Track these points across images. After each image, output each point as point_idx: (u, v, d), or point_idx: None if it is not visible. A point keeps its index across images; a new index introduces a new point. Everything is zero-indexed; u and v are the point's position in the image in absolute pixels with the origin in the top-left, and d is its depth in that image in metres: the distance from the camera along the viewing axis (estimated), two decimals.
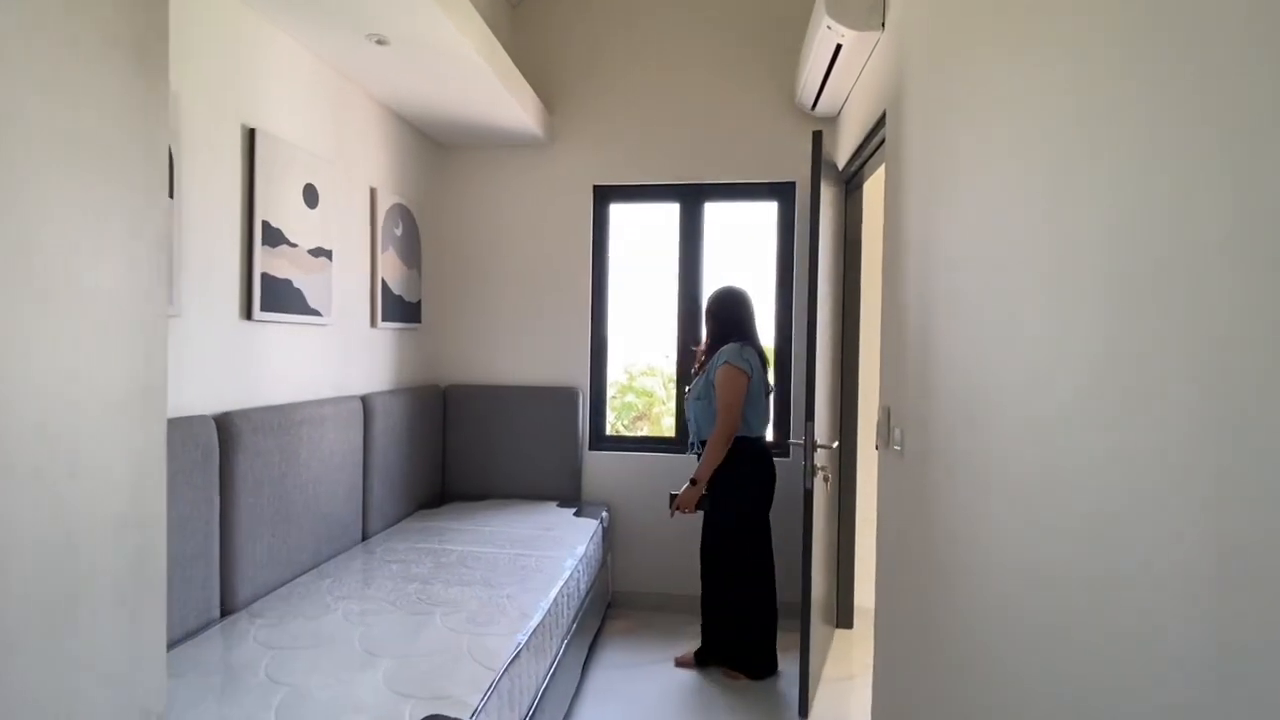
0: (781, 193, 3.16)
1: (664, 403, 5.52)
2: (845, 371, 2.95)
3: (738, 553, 2.54)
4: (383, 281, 2.70)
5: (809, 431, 2.22)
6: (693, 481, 2.46)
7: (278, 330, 2.09)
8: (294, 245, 2.13)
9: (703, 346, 2.68)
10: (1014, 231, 1.22)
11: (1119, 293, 0.88)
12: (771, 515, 2.60)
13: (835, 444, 2.60)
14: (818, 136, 2.22)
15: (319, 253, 2.27)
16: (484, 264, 3.26)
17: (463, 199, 3.26)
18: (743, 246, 3.36)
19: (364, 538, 2.54)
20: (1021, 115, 1.20)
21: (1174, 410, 0.74)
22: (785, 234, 3.17)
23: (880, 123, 2.23)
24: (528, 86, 2.82)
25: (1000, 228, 1.29)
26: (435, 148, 3.22)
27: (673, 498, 2.51)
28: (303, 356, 2.23)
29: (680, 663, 2.63)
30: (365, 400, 2.54)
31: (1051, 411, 1.03)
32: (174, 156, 1.66)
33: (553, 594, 2.07)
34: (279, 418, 2.01)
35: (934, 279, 1.65)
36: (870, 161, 2.58)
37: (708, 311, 2.63)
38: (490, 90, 2.54)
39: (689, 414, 2.59)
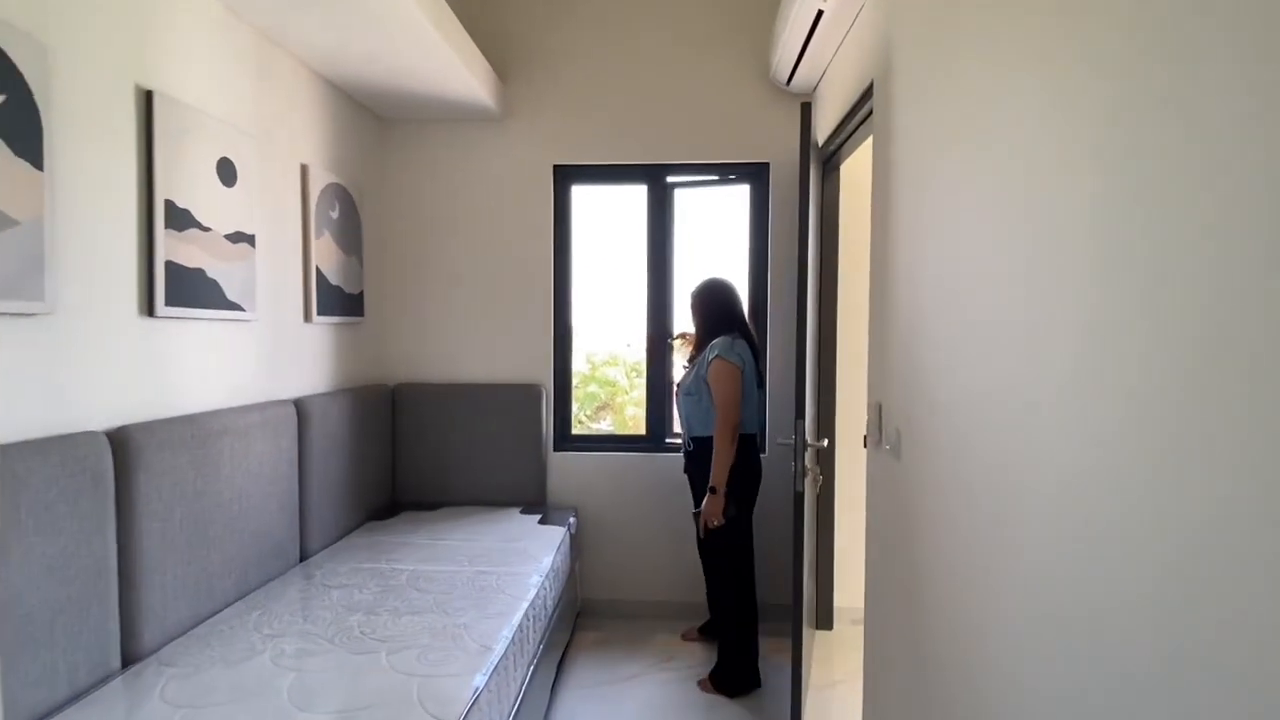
0: (754, 174, 2.98)
1: (627, 392, 5.33)
2: (823, 364, 2.80)
3: (723, 557, 2.42)
4: (317, 271, 2.41)
5: (799, 430, 2.05)
6: (712, 490, 2.29)
7: (189, 328, 1.80)
8: (207, 229, 1.84)
9: (685, 337, 2.64)
10: (1018, 211, 1.07)
11: (1142, 276, 0.78)
12: (764, 515, 2.51)
13: (824, 443, 2.45)
14: (806, 108, 2.04)
15: (239, 238, 1.98)
16: (433, 251, 2.99)
17: (408, 179, 2.98)
18: (713, 231, 3.18)
19: (302, 558, 2.27)
20: (1027, 82, 1.05)
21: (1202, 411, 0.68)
22: (759, 218, 2.99)
23: (865, 95, 2.06)
24: (478, 53, 2.56)
25: (1003, 207, 1.14)
26: (375, 121, 2.92)
27: (697, 516, 2.38)
28: (222, 358, 1.94)
29: (686, 636, 2.73)
30: (300, 404, 2.26)
31: (1064, 410, 0.92)
32: (42, 120, 1.36)
33: (516, 619, 1.85)
34: (193, 429, 1.73)
35: (927, 266, 1.50)
36: (851, 139, 2.42)
37: (694, 305, 2.53)
38: (436, 55, 2.27)
39: (680, 411, 2.50)
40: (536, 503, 2.94)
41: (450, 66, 2.38)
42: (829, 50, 2.41)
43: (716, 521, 2.31)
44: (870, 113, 2.06)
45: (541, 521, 2.70)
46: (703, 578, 2.67)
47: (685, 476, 2.57)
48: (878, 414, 1.87)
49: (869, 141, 2.39)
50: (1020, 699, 1.06)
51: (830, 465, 2.85)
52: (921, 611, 1.53)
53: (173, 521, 1.66)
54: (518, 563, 2.25)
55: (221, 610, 1.83)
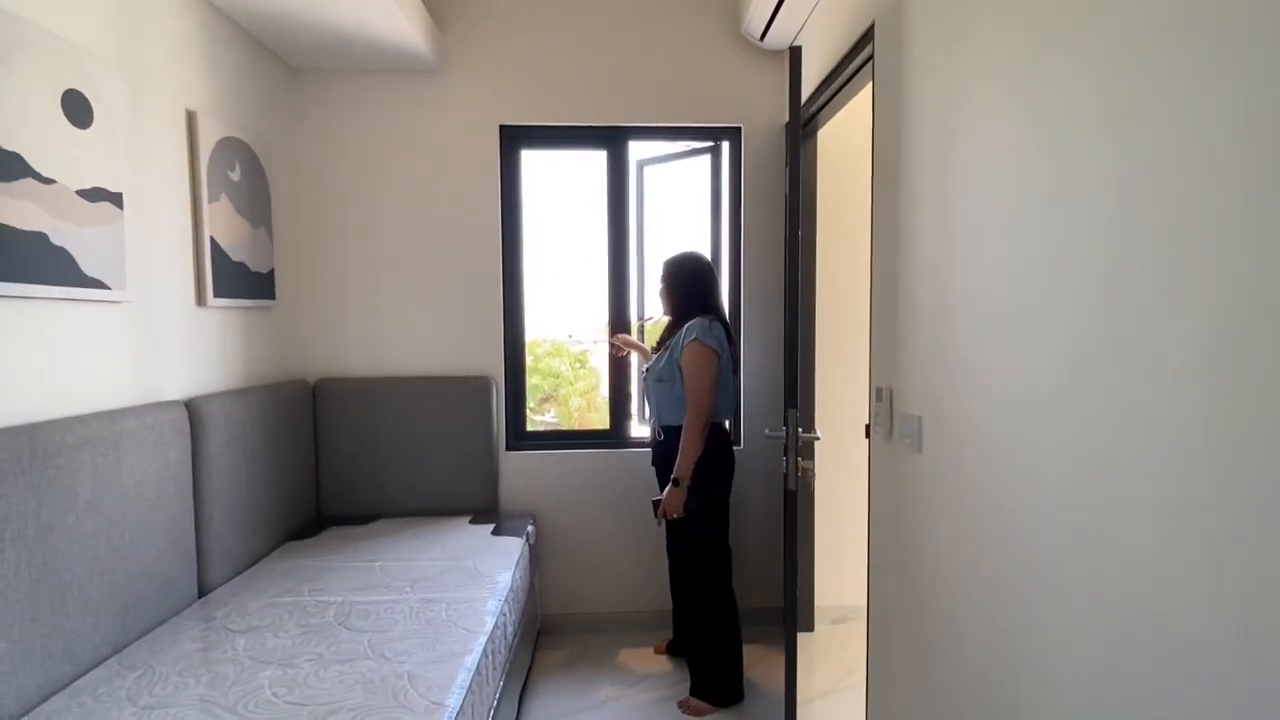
0: (723, 140, 2.71)
1: (572, 383, 5.02)
2: (803, 349, 2.58)
3: (701, 556, 2.19)
4: (213, 243, 1.98)
5: (792, 421, 1.80)
6: (675, 481, 2.11)
7: (22, 310, 1.37)
8: (49, 181, 1.41)
9: (653, 320, 2.41)
10: (1091, 166, 0.84)
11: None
12: (731, 514, 2.27)
13: (819, 436, 2.23)
14: (796, 53, 1.78)
15: (99, 196, 1.54)
16: (359, 223, 2.57)
17: (327, 138, 2.54)
18: (676, 202, 2.89)
19: (201, 594, 1.86)
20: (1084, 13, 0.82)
21: None
22: (733, 187, 2.72)
23: (862, 41, 1.82)
24: None
25: (1068, 163, 0.92)
26: (286, 71, 2.47)
27: (656, 504, 2.18)
28: (77, 349, 1.51)
29: (658, 650, 2.52)
30: (193, 406, 1.84)
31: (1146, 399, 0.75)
32: None
33: (473, 659, 1.53)
34: (30, 444, 1.31)
35: (959, 239, 1.27)
36: (835, 99, 2.19)
37: (666, 281, 2.27)
38: None
39: (650, 397, 2.28)
40: (488, 511, 2.60)
41: (376, 4, 1.99)
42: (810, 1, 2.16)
43: (675, 514, 2.12)
44: (868, 60, 1.82)
45: (495, 532, 2.36)
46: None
47: (654, 469, 2.35)
48: (889, 402, 1.64)
49: (852, 104, 2.18)
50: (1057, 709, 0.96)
51: (807, 456, 2.64)
52: (950, 613, 1.33)
53: (4, 565, 1.24)
54: (470, 585, 1.91)
55: (85, 674, 1.42)
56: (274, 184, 2.35)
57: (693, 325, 2.14)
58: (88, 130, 1.51)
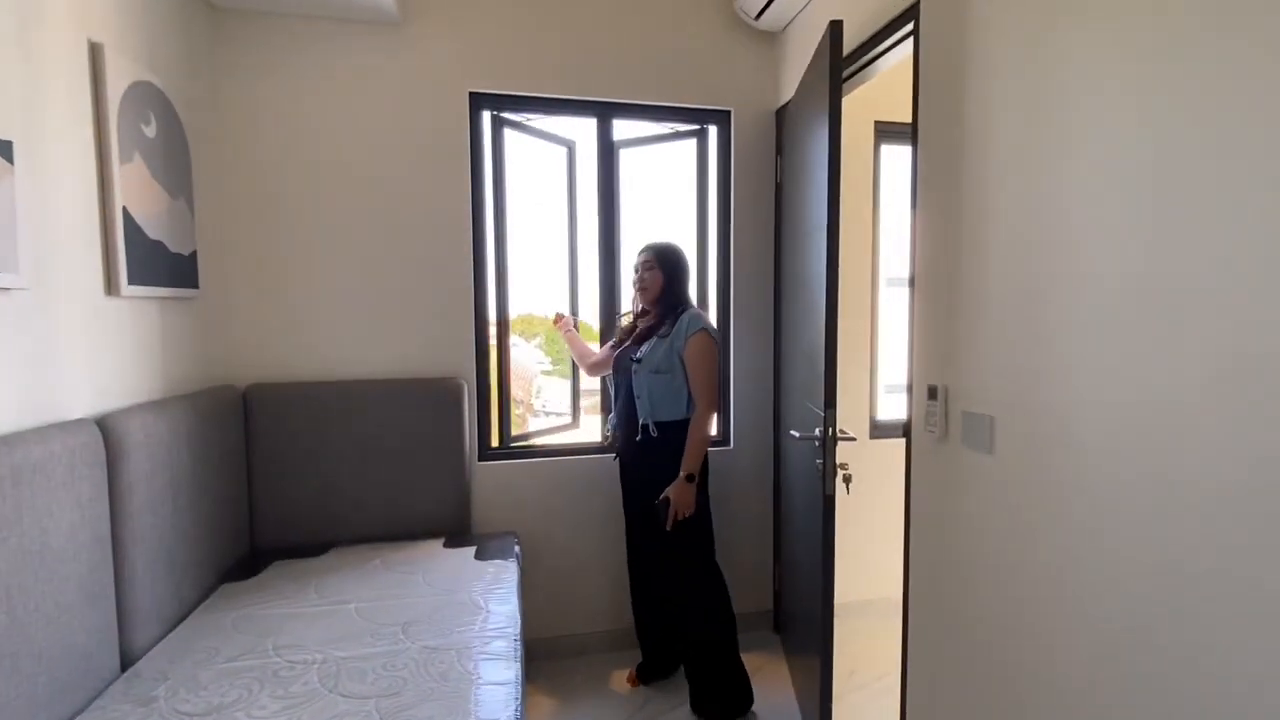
0: (710, 124, 2.56)
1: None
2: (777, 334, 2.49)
3: (702, 561, 2.11)
4: (125, 215, 1.55)
5: (829, 421, 1.69)
6: (690, 478, 2.01)
7: None
8: None
9: (638, 309, 2.24)
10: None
11: None
12: (724, 513, 2.31)
13: (854, 437, 2.16)
14: (836, 28, 1.65)
15: None
16: (300, 198, 2.17)
17: (259, 95, 2.11)
18: (656, 191, 2.72)
19: (125, 665, 1.45)
20: None
21: None
22: (722, 173, 2.58)
23: (895, 23, 1.73)
24: None
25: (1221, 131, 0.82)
26: (205, 8, 2.02)
27: (665, 504, 2.01)
28: None
29: (631, 681, 2.29)
30: (107, 426, 1.43)
31: None
32: None
33: (512, 717, 1.28)
34: None
35: (1059, 246, 1.19)
36: (847, 83, 2.10)
37: (662, 267, 2.13)
38: None
39: (640, 390, 2.09)
40: (461, 532, 2.29)
41: None
42: None
43: (688, 511, 2.00)
44: (899, 42, 1.74)
45: (479, 556, 2.07)
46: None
47: (628, 472, 2.22)
48: (943, 402, 1.57)
49: (856, 93, 2.11)
50: None
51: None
52: (1018, 622, 1.26)
53: None
54: (474, 624, 1.64)
55: None
56: (195, 145, 1.90)
57: (694, 315, 2.08)
58: None
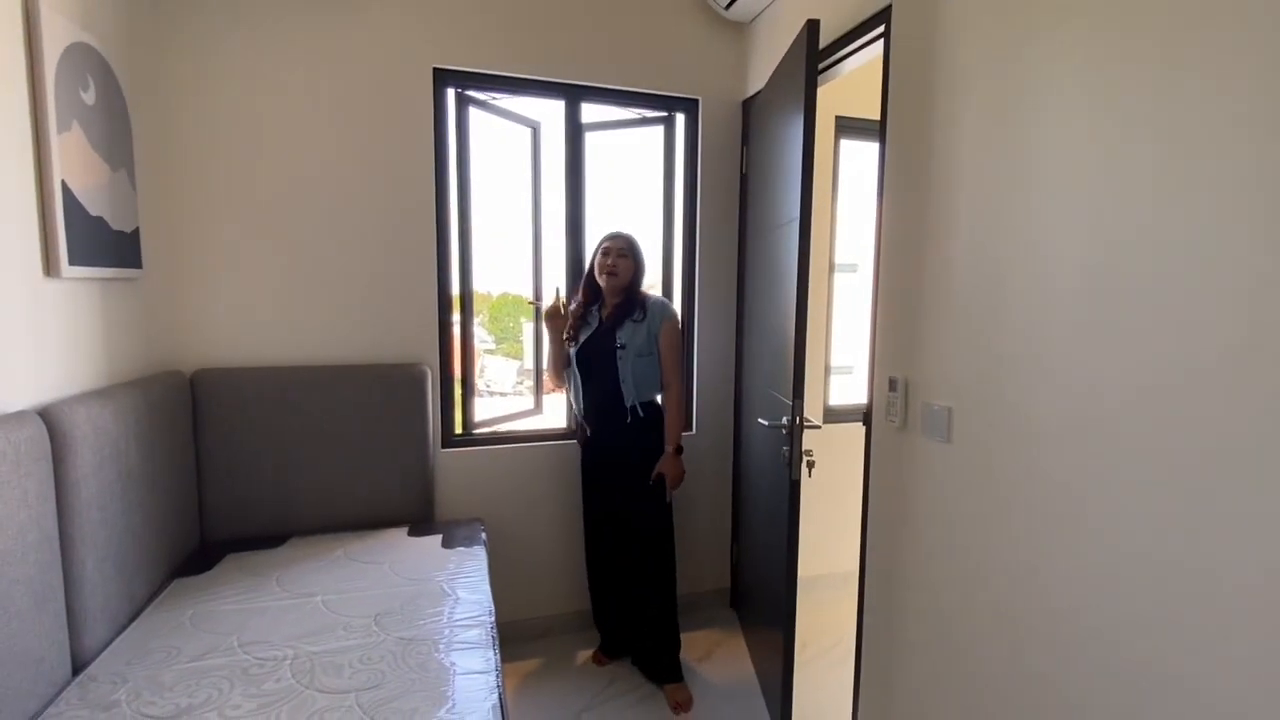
0: (678, 113, 2.57)
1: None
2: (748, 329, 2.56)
3: (666, 536, 2.22)
4: (64, 189, 1.43)
5: (797, 411, 1.76)
6: (679, 450, 2.16)
7: None
8: None
9: (578, 297, 2.30)
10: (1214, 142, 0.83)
11: None
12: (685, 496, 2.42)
13: (820, 425, 2.26)
14: (814, 26, 1.68)
15: None
16: (250, 172, 2.04)
17: (205, 61, 1.97)
18: (619, 177, 2.71)
19: (77, 668, 1.38)
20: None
21: None
22: (689, 162, 2.59)
23: (867, 24, 1.78)
24: None
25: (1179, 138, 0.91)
26: None
27: (662, 478, 2.15)
28: None
29: (598, 661, 2.36)
30: (50, 417, 1.33)
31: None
32: None
33: (495, 704, 1.30)
34: None
35: (1019, 246, 1.28)
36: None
37: (629, 253, 2.17)
38: None
39: (624, 373, 2.13)
40: (424, 520, 2.26)
41: None
42: None
43: (681, 481, 2.19)
44: (870, 41, 1.80)
45: (446, 544, 2.06)
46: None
47: (603, 450, 2.22)
48: (904, 393, 1.66)
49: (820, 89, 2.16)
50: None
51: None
52: (972, 594, 1.38)
53: None
54: (448, 613, 1.64)
55: None
56: (136, 114, 1.77)
57: (663, 300, 2.21)
58: None
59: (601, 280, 2.16)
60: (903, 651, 1.70)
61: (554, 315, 2.23)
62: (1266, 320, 0.90)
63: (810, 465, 1.92)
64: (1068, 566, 1.22)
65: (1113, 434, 1.12)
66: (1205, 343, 0.97)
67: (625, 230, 2.20)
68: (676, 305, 2.62)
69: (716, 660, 2.38)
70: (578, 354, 2.20)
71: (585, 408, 2.23)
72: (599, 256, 2.17)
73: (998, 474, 1.38)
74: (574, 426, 2.42)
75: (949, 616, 1.53)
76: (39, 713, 1.23)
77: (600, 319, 2.19)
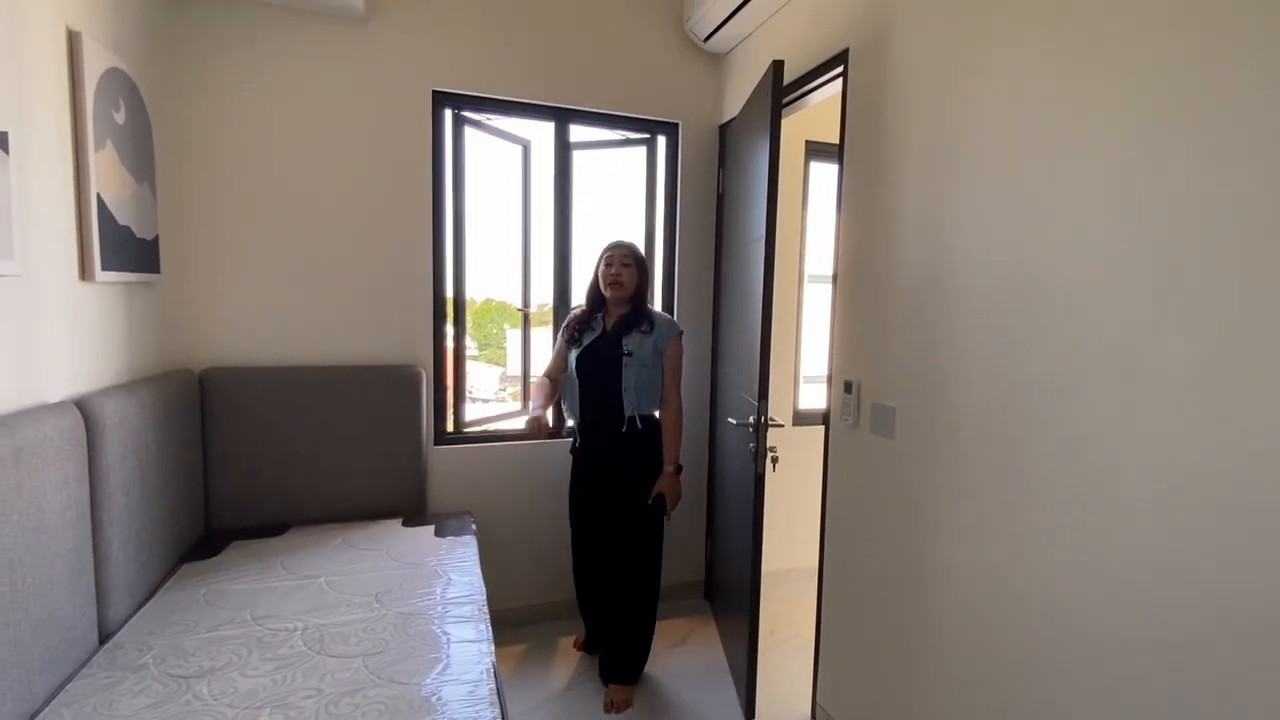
0: (659, 135, 2.76)
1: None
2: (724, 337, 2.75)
3: (657, 540, 2.24)
4: (99, 202, 1.58)
5: (762, 411, 1.94)
6: (679, 469, 2.19)
7: None
8: None
9: (584, 305, 2.29)
10: (1087, 201, 1.05)
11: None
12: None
13: (783, 424, 2.41)
14: (778, 67, 1.88)
15: None
16: (259, 185, 2.19)
17: (220, 82, 2.12)
18: (605, 195, 2.89)
19: (104, 638, 1.51)
20: (1090, 47, 1.02)
21: None
22: (669, 182, 2.78)
23: (828, 64, 1.99)
24: None
25: (1064, 200, 1.13)
26: None
27: (662, 497, 2.17)
28: None
29: (579, 646, 2.47)
30: (86, 408, 1.47)
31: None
32: None
33: (487, 671, 1.45)
34: None
35: (949, 260, 1.48)
36: (784, 110, 2.35)
37: (634, 264, 2.18)
38: None
39: (628, 380, 2.13)
40: (417, 512, 2.41)
41: None
42: (766, 12, 2.29)
43: (678, 500, 2.22)
44: (833, 79, 2.00)
45: (439, 534, 2.21)
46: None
47: (597, 457, 2.19)
48: (855, 394, 1.85)
49: (799, 114, 2.37)
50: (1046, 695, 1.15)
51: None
52: (912, 577, 1.57)
53: None
54: (442, 593, 1.79)
55: None
56: (159, 131, 1.91)
57: (671, 319, 2.24)
58: None
59: (606, 292, 2.15)
60: (855, 636, 1.88)
61: (535, 431, 2.21)
62: (1158, 314, 1.10)
63: (774, 461, 2.10)
64: (989, 551, 1.41)
65: (1029, 422, 1.31)
66: (1100, 337, 1.18)
67: (628, 239, 2.22)
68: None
69: (690, 646, 2.55)
70: (580, 356, 2.18)
71: (581, 413, 2.21)
72: (602, 266, 2.17)
73: (931, 465, 1.57)
74: (570, 428, 2.34)
75: (892, 602, 1.71)
76: (73, 674, 1.36)
77: (604, 325, 2.20)
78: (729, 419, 2.25)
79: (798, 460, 2.92)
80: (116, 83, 1.66)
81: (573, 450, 2.30)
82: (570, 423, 2.32)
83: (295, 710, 1.25)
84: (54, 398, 1.43)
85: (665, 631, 2.61)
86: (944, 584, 1.53)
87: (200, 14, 2.08)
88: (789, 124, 2.59)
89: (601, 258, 2.20)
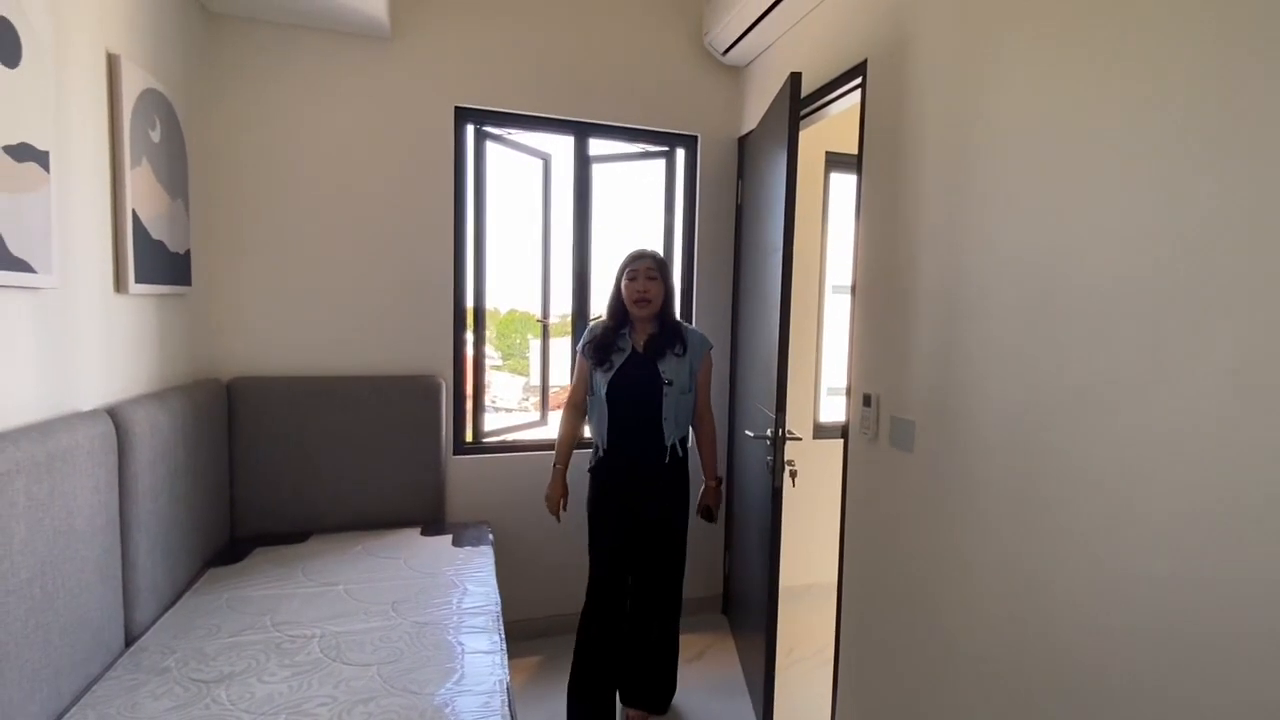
0: (679, 148, 2.77)
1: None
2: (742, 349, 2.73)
3: (683, 560, 2.17)
4: (134, 217, 1.64)
5: (780, 423, 1.92)
6: (719, 480, 2.20)
7: None
8: None
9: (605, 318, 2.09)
10: (1108, 222, 1.02)
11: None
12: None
13: (800, 437, 2.37)
14: (796, 79, 1.88)
15: (26, 154, 1.22)
16: (287, 200, 2.26)
17: (253, 100, 2.19)
18: (624, 207, 2.90)
19: (130, 640, 1.55)
20: (1113, 64, 0.99)
21: None
22: (688, 194, 2.79)
23: (847, 75, 1.98)
24: None
25: (1086, 218, 1.11)
26: (200, 13, 2.09)
27: (708, 510, 2.20)
28: None
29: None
30: (117, 416, 1.52)
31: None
32: None
33: (501, 682, 1.45)
34: None
35: (971, 271, 1.45)
36: (805, 119, 2.35)
37: (660, 274, 2.01)
38: None
39: (669, 411, 2.00)
40: (436, 521, 2.43)
41: None
42: (785, 24, 2.29)
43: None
44: (853, 89, 1.99)
45: (456, 544, 2.22)
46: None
47: (634, 487, 2.03)
48: (875, 407, 1.82)
49: (817, 125, 2.36)
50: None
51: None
52: (930, 590, 1.53)
53: None
54: (457, 602, 1.80)
55: None
56: (191, 148, 1.98)
57: (702, 335, 2.10)
58: (16, 70, 1.18)
59: (633, 309, 2.00)
60: (874, 655, 1.84)
61: (554, 509, 2.15)
62: (1185, 327, 1.07)
63: (794, 475, 2.07)
64: (1004, 569, 1.37)
65: (1050, 439, 1.28)
66: (1125, 351, 1.14)
67: (650, 248, 2.07)
68: None
69: (707, 661, 2.52)
70: (612, 383, 1.99)
71: (613, 442, 2.02)
72: (625, 280, 2.00)
73: (950, 480, 1.53)
74: (599, 458, 2.09)
75: (911, 622, 1.67)
76: (99, 676, 1.40)
77: (632, 343, 2.02)
78: (745, 431, 2.22)
79: (818, 474, 2.89)
80: (153, 102, 1.73)
81: (594, 469, 2.09)
82: (589, 435, 2.16)
83: (309, 717, 1.27)
84: (87, 405, 1.48)
85: (682, 646, 2.57)
86: (962, 603, 1.49)
87: (234, 36, 2.15)
88: (809, 135, 2.58)
89: (624, 270, 2.02)
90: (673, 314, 2.08)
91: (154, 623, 1.63)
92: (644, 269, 1.99)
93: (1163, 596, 1.06)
